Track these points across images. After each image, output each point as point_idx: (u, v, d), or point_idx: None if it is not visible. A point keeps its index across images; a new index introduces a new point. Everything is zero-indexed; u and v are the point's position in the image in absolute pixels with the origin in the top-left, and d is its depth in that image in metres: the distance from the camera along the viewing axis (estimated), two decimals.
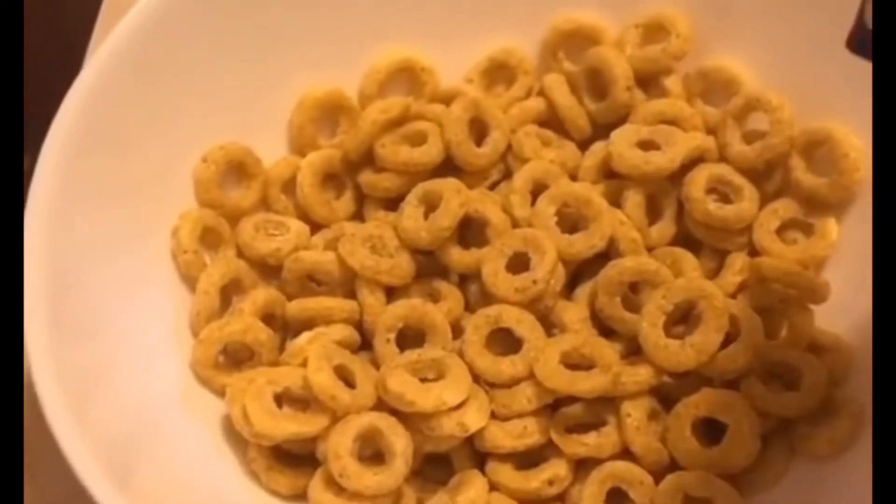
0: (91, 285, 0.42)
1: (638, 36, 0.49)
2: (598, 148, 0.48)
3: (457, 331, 0.45)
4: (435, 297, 0.46)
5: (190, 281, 0.46)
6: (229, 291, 0.46)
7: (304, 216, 0.49)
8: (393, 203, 0.48)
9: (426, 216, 0.46)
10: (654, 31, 0.49)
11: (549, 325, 0.45)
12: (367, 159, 0.49)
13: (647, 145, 0.46)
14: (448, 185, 0.46)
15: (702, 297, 0.42)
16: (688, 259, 0.46)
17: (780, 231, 0.47)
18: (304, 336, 0.45)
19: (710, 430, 0.43)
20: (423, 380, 0.42)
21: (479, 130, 0.49)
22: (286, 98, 0.50)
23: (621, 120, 0.49)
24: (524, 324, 0.43)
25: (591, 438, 0.42)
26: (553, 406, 0.43)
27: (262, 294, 0.46)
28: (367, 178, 0.49)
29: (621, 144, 0.46)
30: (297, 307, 0.46)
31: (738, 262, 0.46)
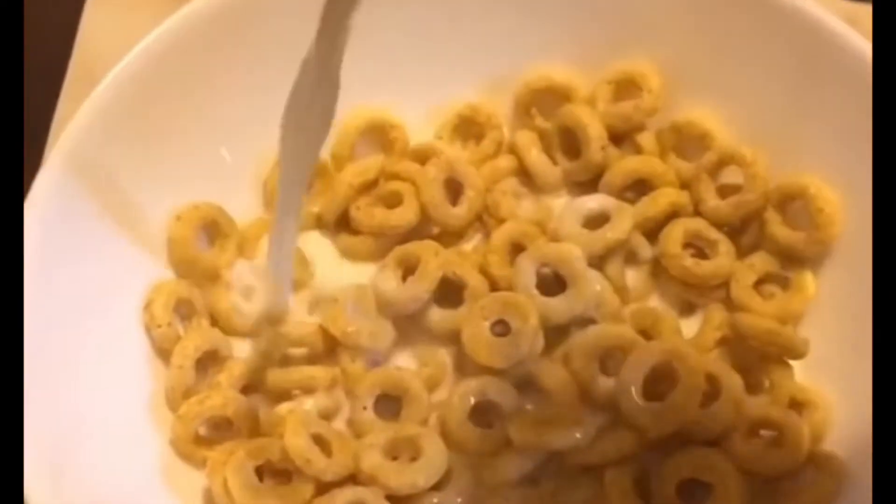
0: (63, 357, 0.42)
1: (609, 92, 0.49)
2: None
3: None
4: (421, 359, 0.46)
5: (164, 354, 0.45)
6: (205, 362, 0.46)
7: None
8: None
9: (404, 279, 0.46)
10: (626, 87, 0.49)
11: (531, 389, 0.44)
12: (344, 221, 0.49)
13: (596, 221, 0.47)
14: (425, 248, 0.46)
15: (675, 358, 0.42)
16: (668, 319, 0.46)
17: (757, 285, 0.47)
18: (284, 406, 0.44)
19: (692, 492, 0.43)
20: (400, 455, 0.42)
21: (454, 189, 0.49)
22: (260, 159, 0.50)
23: (596, 178, 0.49)
24: (506, 394, 0.43)
25: None
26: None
27: (238, 365, 0.45)
28: (343, 241, 0.49)
29: (567, 223, 0.47)
30: (278, 378, 0.45)
31: (716, 318, 0.46)
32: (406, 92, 0.51)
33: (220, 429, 0.44)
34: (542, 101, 0.51)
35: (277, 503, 0.41)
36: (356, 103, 0.50)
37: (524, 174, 0.50)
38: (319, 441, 0.42)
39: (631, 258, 0.47)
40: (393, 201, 0.48)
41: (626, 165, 0.48)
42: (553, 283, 0.46)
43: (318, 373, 0.45)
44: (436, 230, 0.49)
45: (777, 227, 0.47)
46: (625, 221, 0.46)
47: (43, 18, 0.42)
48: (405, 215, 0.47)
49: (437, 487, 0.42)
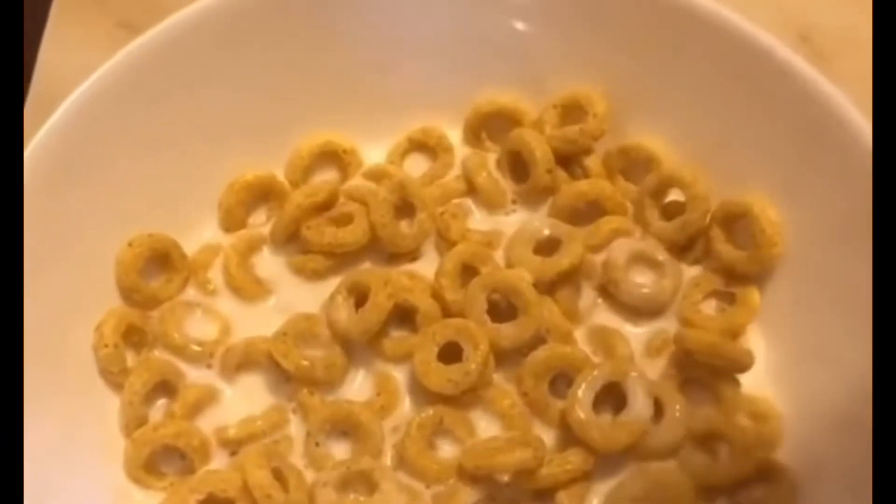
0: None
1: (556, 116, 0.50)
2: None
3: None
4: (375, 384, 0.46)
5: (107, 375, 0.46)
6: (155, 393, 0.46)
7: (232, 295, 0.49)
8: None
9: (356, 306, 0.46)
10: (572, 111, 0.50)
11: (483, 411, 0.45)
12: (295, 241, 0.49)
13: (546, 246, 0.47)
14: (375, 277, 0.46)
15: (625, 377, 0.43)
16: (621, 340, 0.46)
17: (704, 301, 0.48)
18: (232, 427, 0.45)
19: None
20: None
21: (407, 211, 0.49)
22: (218, 180, 0.50)
23: (545, 198, 0.50)
24: (461, 423, 0.44)
25: None
26: None
27: (191, 393, 0.46)
28: (294, 259, 0.49)
29: (518, 248, 0.47)
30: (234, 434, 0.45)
31: (663, 336, 0.47)
32: (359, 116, 0.52)
33: (172, 459, 0.45)
34: (492, 124, 0.52)
35: None
36: (310, 128, 0.51)
37: (476, 193, 0.51)
38: (278, 476, 0.42)
39: (583, 279, 0.48)
40: (345, 222, 0.49)
41: (574, 188, 0.49)
42: (505, 308, 0.46)
43: (272, 417, 0.45)
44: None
45: (721, 245, 0.47)
46: (576, 247, 0.46)
47: None
48: (355, 233, 0.48)
49: None
